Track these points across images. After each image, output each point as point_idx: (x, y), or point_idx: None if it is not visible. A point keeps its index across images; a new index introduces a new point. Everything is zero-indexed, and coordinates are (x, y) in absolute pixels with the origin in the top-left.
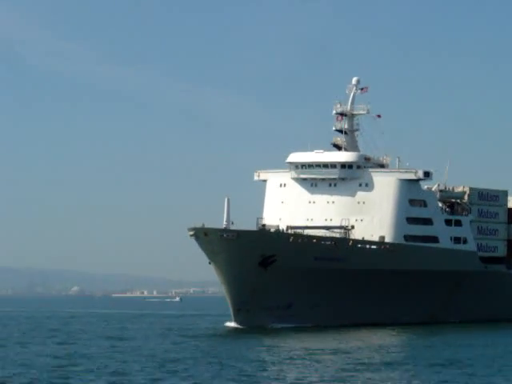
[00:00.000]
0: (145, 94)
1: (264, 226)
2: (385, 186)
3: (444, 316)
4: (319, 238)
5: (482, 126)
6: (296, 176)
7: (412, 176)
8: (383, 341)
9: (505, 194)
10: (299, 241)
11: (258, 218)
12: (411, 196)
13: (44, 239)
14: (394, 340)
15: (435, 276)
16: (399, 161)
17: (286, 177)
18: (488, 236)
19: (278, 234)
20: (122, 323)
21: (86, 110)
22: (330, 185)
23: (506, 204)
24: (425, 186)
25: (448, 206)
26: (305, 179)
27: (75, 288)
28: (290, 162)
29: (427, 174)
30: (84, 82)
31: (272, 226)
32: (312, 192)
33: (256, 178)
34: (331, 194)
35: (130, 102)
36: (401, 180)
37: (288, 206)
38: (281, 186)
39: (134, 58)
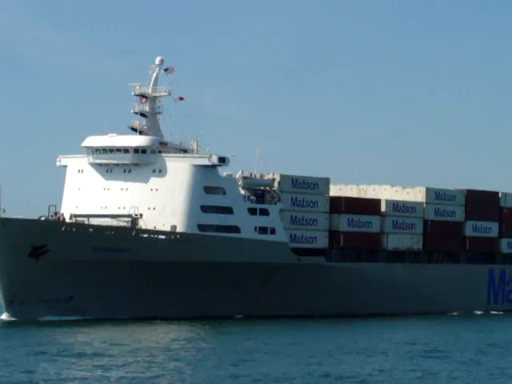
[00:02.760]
0: None
1: (56, 214)
2: (178, 173)
3: (256, 310)
4: (98, 228)
5: (303, 110)
6: (92, 161)
7: (206, 161)
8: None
9: (325, 181)
10: (73, 230)
11: (49, 206)
12: (207, 183)
13: None
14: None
15: (239, 268)
16: (197, 145)
17: (84, 162)
18: (305, 226)
19: (48, 223)
20: None
21: None
22: (125, 171)
23: (327, 192)
24: (224, 172)
25: (257, 195)
26: (100, 165)
27: None
28: (86, 147)
29: (223, 160)
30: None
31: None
32: (107, 178)
33: (58, 163)
34: (125, 181)
35: None
36: (195, 166)
37: (84, 193)
38: (79, 171)
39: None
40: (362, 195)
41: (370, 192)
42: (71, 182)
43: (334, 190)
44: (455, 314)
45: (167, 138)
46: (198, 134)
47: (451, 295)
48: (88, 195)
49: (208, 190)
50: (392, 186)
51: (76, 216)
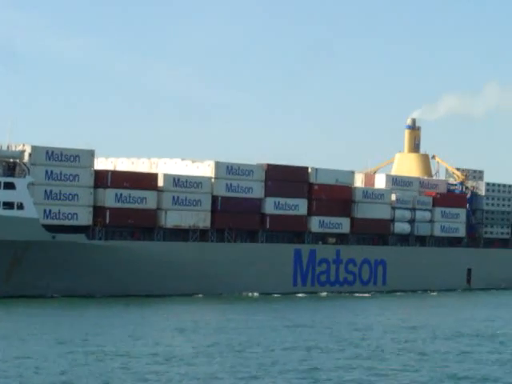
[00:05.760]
0: None
1: None
2: None
3: (9, 290)
4: None
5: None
6: None
7: None
8: None
9: (90, 153)
10: None
11: None
12: None
13: None
14: None
15: None
16: None
17: None
18: (63, 201)
19: None
20: None
21: None
22: None
23: (91, 166)
24: None
25: (9, 168)
26: None
27: None
28: None
29: None
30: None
31: None
32: None
33: None
34: None
35: None
36: None
37: None
38: None
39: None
40: (154, 169)
41: (160, 166)
42: None
43: (127, 164)
44: (255, 295)
45: None
46: None
47: (248, 276)
48: None
49: None
50: (182, 159)
51: None
